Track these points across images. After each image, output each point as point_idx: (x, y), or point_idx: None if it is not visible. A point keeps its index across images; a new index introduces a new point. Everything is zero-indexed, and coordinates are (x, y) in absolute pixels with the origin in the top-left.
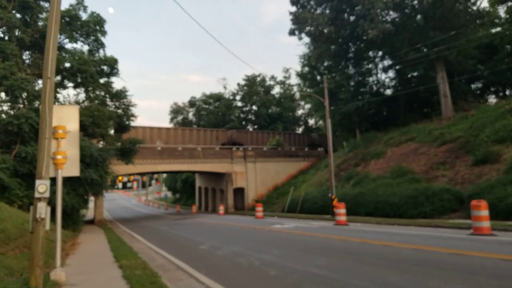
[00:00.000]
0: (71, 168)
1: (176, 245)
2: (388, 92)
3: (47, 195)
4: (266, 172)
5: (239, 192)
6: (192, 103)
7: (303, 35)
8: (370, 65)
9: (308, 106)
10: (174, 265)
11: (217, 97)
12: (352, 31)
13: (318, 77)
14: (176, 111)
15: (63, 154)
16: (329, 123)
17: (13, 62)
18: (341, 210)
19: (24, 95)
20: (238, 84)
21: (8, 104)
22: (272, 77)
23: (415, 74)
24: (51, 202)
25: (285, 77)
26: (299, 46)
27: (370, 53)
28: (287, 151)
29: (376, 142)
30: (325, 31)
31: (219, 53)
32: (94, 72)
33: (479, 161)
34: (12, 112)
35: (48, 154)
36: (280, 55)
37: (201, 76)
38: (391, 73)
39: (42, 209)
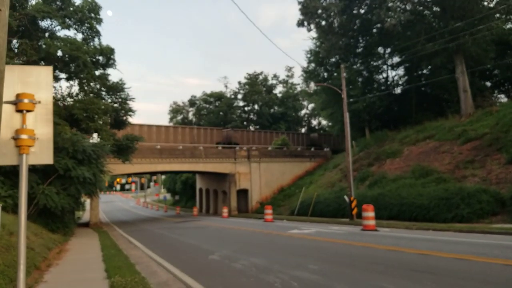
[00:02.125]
0: (42, 153)
1: (180, 254)
2: (398, 90)
3: None
4: (270, 173)
5: (243, 194)
6: (192, 102)
7: (312, 26)
8: (379, 62)
9: (311, 105)
10: (182, 284)
11: (218, 96)
12: (362, 23)
13: (325, 74)
14: (176, 110)
15: (30, 133)
16: (347, 116)
17: None
18: (369, 213)
19: None
20: (239, 83)
21: None
22: (275, 76)
23: (424, 71)
24: (33, 199)
25: (288, 76)
26: (299, 47)
27: (380, 49)
28: (292, 151)
29: (389, 141)
30: (336, 22)
31: (218, 55)
32: (87, 59)
33: None
34: None
35: None
36: (278, 58)
37: (200, 79)
38: (400, 71)
39: None
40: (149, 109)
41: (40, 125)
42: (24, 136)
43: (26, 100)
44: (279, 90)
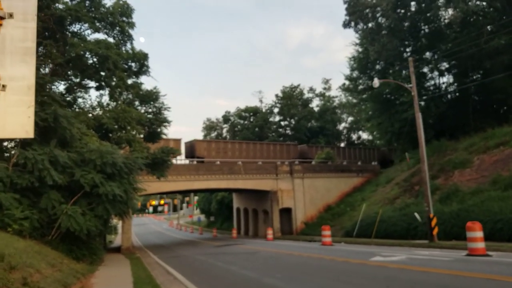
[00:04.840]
0: (13, 117)
1: None
2: (449, 97)
3: None
4: (315, 189)
5: (285, 213)
6: (226, 118)
7: (359, 26)
8: (428, 67)
9: (350, 119)
10: None
11: (253, 111)
12: (413, 23)
13: (369, 82)
14: (210, 127)
15: None
16: (420, 117)
17: None
18: (477, 233)
19: None
20: (276, 96)
21: None
22: (311, 89)
23: (478, 76)
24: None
25: (324, 88)
26: (332, 63)
27: (428, 54)
28: (338, 166)
29: (449, 150)
30: (383, 22)
31: (247, 77)
32: (118, 60)
33: None
34: None
35: None
36: (309, 76)
37: (230, 100)
38: (450, 78)
39: None
40: (180, 131)
41: (11, 61)
42: None
43: None
44: (315, 103)
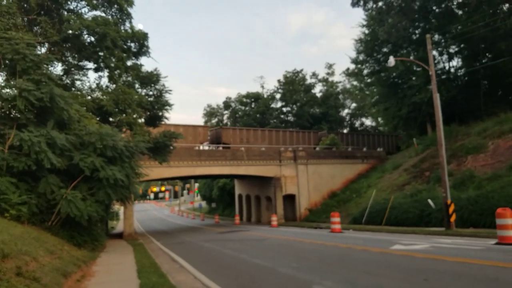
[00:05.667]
0: None
1: (255, 285)
2: (459, 81)
3: None
4: (319, 176)
5: (289, 200)
6: (227, 104)
7: (368, 5)
8: (437, 50)
9: (354, 105)
10: None
11: (255, 97)
12: (423, 3)
13: (376, 66)
14: (211, 113)
15: None
16: (438, 98)
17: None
18: (508, 220)
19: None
20: (279, 81)
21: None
22: (314, 75)
23: (486, 60)
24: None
25: (328, 73)
26: (331, 50)
27: (436, 38)
28: (342, 152)
29: (460, 135)
30: (394, 1)
31: (247, 65)
32: (116, 37)
33: None
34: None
35: None
36: (310, 64)
37: (229, 88)
38: (457, 62)
39: None
40: (180, 119)
41: None
42: None
43: None
44: (318, 89)
